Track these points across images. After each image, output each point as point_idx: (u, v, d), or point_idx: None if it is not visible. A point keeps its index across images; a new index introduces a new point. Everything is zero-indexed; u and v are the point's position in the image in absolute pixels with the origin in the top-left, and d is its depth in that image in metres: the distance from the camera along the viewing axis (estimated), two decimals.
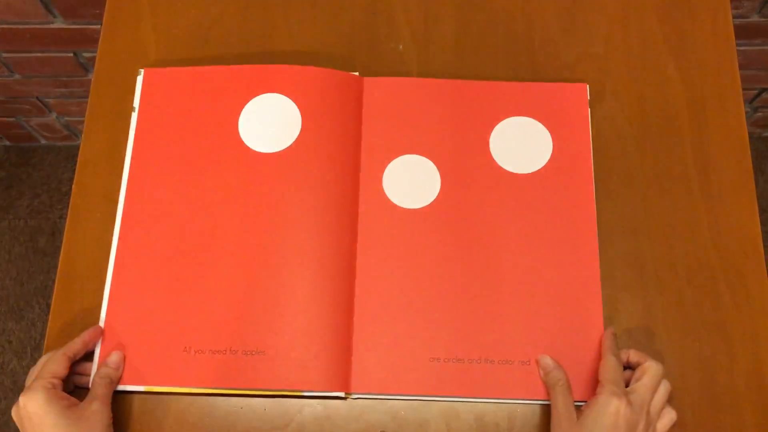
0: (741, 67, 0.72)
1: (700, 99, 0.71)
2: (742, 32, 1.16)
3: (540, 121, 0.67)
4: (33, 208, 1.54)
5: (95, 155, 0.68)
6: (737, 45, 0.73)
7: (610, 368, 0.57)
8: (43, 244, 1.51)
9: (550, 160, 0.66)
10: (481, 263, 0.63)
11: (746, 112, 1.43)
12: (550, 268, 0.63)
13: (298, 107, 0.66)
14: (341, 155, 0.65)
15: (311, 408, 0.61)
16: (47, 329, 0.64)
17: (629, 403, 0.54)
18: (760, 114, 1.47)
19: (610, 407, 0.54)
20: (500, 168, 0.66)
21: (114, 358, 0.60)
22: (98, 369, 0.59)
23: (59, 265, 0.66)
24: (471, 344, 0.61)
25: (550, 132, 0.67)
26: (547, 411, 0.61)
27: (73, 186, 0.68)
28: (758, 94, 1.38)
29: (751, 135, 1.53)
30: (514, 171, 0.66)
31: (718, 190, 0.68)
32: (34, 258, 1.50)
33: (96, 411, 0.55)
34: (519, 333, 0.61)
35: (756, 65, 1.26)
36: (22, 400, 0.54)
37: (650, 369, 0.57)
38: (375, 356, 0.60)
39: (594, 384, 0.59)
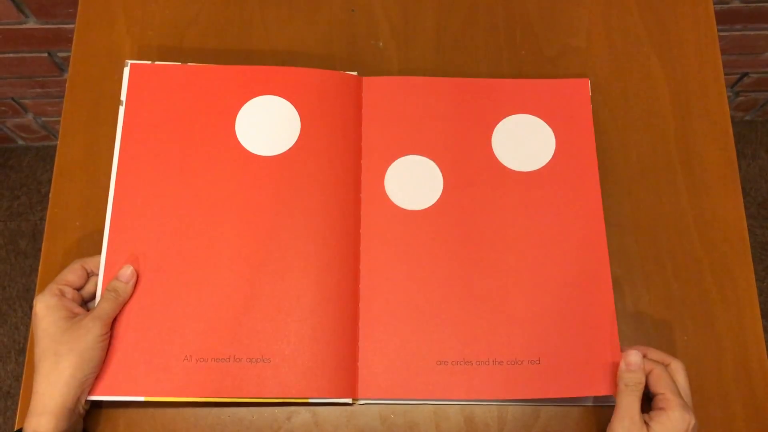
0: (723, 52, 0.72)
1: (683, 91, 0.70)
2: (724, 18, 1.16)
3: (542, 118, 0.66)
4: (12, 210, 1.51)
5: (72, 162, 0.67)
6: (719, 30, 0.73)
7: (668, 379, 0.56)
8: (24, 247, 1.49)
9: (553, 157, 0.65)
10: (486, 263, 0.62)
11: (728, 97, 1.43)
12: (558, 266, 0.62)
13: (297, 109, 0.65)
14: (342, 158, 0.64)
15: (299, 415, 0.60)
16: (29, 336, 0.63)
17: (693, 415, 0.54)
18: (742, 98, 1.47)
19: (684, 424, 0.53)
20: (503, 166, 0.65)
21: (126, 271, 0.59)
22: (110, 282, 0.59)
23: (39, 274, 0.64)
24: (479, 346, 0.60)
25: (552, 129, 0.66)
26: (536, 411, 0.61)
27: (50, 194, 0.66)
28: (740, 79, 1.38)
29: (733, 119, 1.54)
30: (518, 169, 0.65)
31: (703, 183, 0.67)
32: (16, 261, 1.48)
33: (86, 326, 0.55)
34: (527, 332, 0.60)
35: (737, 50, 1.27)
36: (35, 299, 0.56)
37: (681, 369, 0.57)
38: (382, 361, 0.59)
39: (607, 381, 0.58)
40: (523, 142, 0.66)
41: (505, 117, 0.66)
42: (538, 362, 0.60)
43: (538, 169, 0.65)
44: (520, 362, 0.60)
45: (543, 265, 0.62)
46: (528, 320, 0.61)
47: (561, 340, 0.60)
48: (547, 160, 0.65)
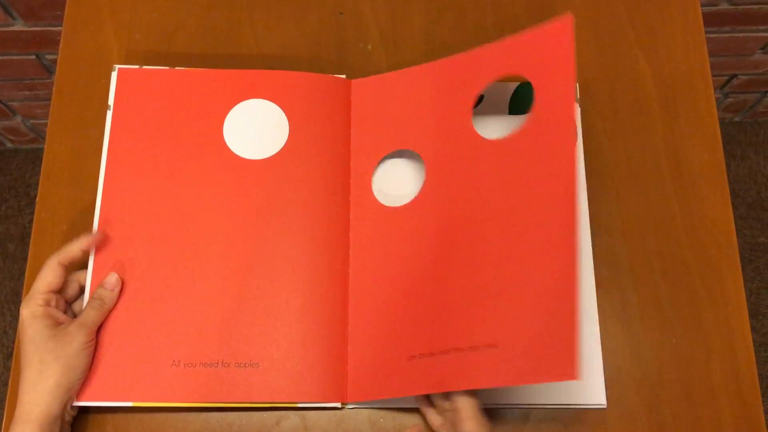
0: (711, 54, 0.72)
1: (671, 93, 0.71)
2: (712, 20, 1.17)
3: (526, 75, 0.57)
4: (1, 213, 1.50)
5: (59, 166, 0.67)
6: (707, 32, 0.73)
7: None
8: (13, 250, 1.48)
9: (532, 119, 0.56)
10: (466, 251, 0.57)
11: (717, 99, 1.44)
12: (522, 237, 0.54)
13: (285, 113, 0.64)
14: (330, 161, 0.63)
15: (288, 420, 0.60)
16: (15, 344, 0.62)
17: None
18: (731, 99, 1.47)
19: None
20: (484, 140, 0.59)
21: (111, 278, 0.59)
22: (95, 290, 0.58)
23: (25, 279, 0.64)
24: (442, 335, 0.55)
25: (535, 87, 0.56)
26: (525, 414, 0.61)
27: (37, 199, 0.66)
28: (729, 80, 1.39)
29: (722, 120, 1.55)
30: (496, 138, 0.58)
31: (691, 185, 0.68)
32: (4, 264, 1.47)
33: (71, 333, 0.55)
34: (481, 315, 0.54)
35: (726, 52, 1.27)
36: (21, 307, 0.56)
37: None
38: (372, 364, 0.58)
39: (573, 365, 0.47)
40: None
41: (485, 85, 0.60)
42: (495, 347, 0.53)
43: (516, 135, 0.57)
44: (477, 348, 0.53)
45: (508, 238, 0.55)
46: (482, 301, 0.54)
47: (518, 321, 0.52)
48: (522, 124, 0.56)
